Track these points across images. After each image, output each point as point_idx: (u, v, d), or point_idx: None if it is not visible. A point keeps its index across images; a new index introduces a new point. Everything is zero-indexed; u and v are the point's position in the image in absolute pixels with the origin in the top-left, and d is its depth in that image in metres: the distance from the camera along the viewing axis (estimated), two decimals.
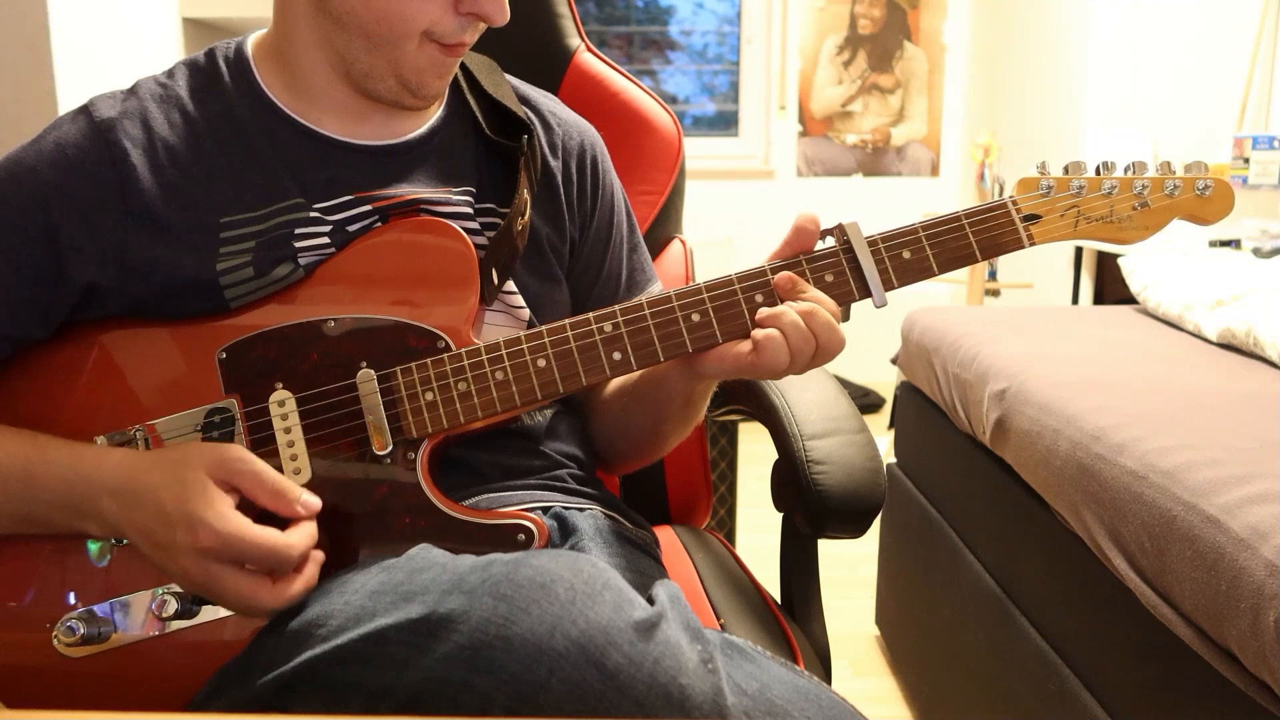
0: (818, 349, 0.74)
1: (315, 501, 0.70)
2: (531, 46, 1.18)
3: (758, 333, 0.74)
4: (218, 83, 0.83)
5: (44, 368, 0.78)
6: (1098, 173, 0.80)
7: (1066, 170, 0.80)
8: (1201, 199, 0.80)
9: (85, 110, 0.79)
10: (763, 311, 0.75)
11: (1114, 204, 0.79)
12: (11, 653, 0.73)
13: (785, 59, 3.96)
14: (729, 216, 3.94)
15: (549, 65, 1.19)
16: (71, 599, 0.73)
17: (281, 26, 0.82)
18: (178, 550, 0.66)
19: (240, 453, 0.68)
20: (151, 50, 1.98)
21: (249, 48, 0.85)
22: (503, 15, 0.78)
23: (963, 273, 3.23)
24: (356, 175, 0.82)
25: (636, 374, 0.88)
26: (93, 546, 0.74)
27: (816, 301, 0.74)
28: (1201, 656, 0.91)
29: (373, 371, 0.76)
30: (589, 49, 1.21)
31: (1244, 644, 0.84)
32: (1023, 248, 0.78)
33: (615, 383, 0.93)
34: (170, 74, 0.83)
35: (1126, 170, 0.80)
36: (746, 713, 0.58)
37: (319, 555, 0.70)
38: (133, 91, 0.81)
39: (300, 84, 0.82)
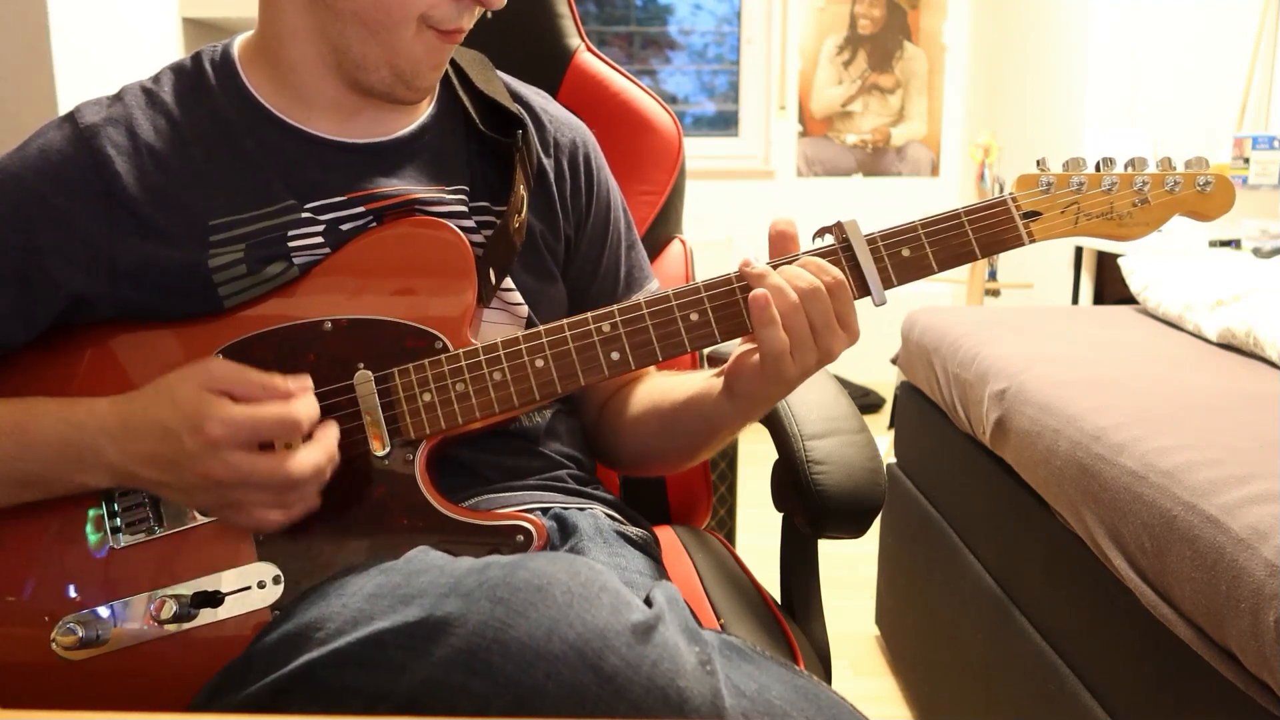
0: (810, 315, 0.72)
1: (305, 379, 0.71)
2: (531, 46, 1.18)
3: (750, 300, 0.73)
4: (204, 86, 0.82)
5: (41, 372, 0.78)
6: (1098, 169, 0.80)
7: (1066, 167, 0.80)
8: (1202, 195, 0.79)
9: (70, 117, 0.79)
10: None
11: (1114, 200, 0.79)
12: (9, 655, 0.72)
13: (785, 59, 3.96)
14: (729, 216, 3.93)
15: (549, 65, 1.19)
16: (70, 601, 0.73)
17: (269, 24, 0.81)
18: (191, 458, 0.67)
19: (220, 361, 0.71)
20: (151, 50, 1.98)
21: (235, 50, 0.84)
22: None
23: (963, 272, 3.23)
24: (347, 174, 0.82)
25: (673, 403, 0.87)
26: (92, 537, 0.73)
27: (803, 266, 0.74)
28: (1201, 656, 0.91)
29: (370, 372, 0.76)
30: (589, 49, 1.21)
31: (1244, 644, 0.84)
32: (1022, 245, 0.78)
33: (644, 402, 0.92)
34: (156, 79, 0.83)
35: (1127, 167, 0.80)
36: (745, 714, 0.58)
37: (332, 426, 0.72)
38: (118, 97, 0.81)
39: (288, 82, 0.82)
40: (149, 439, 0.69)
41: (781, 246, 0.77)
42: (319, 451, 0.70)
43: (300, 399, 0.70)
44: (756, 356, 0.74)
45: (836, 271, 0.73)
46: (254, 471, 0.67)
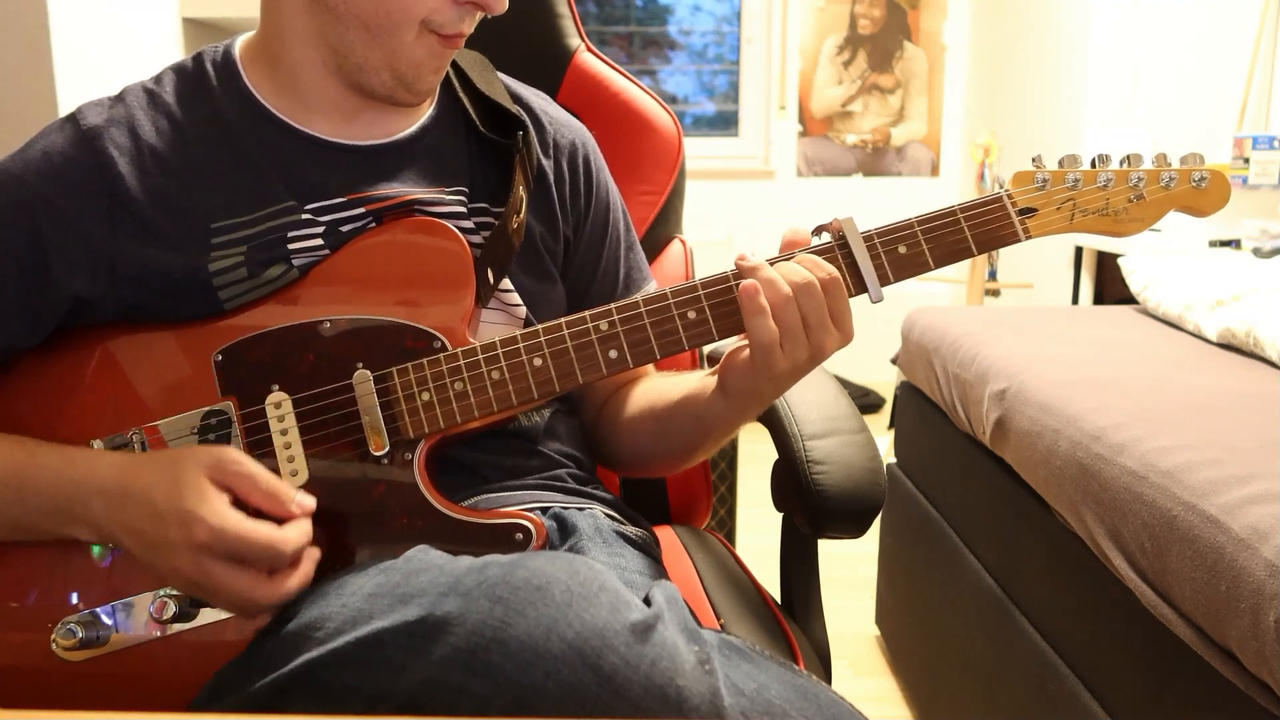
0: (803, 310, 0.72)
1: (309, 501, 0.70)
2: (531, 47, 1.18)
3: (740, 290, 0.73)
4: (205, 87, 0.82)
5: (41, 373, 0.78)
6: (1093, 166, 0.80)
7: (1062, 164, 0.80)
8: (1197, 190, 0.79)
9: (72, 118, 0.79)
10: None
11: (1109, 197, 0.79)
12: (10, 656, 0.72)
13: (785, 59, 3.96)
14: (729, 216, 3.93)
15: (549, 65, 1.19)
16: (71, 602, 0.73)
17: (271, 25, 0.82)
18: (171, 548, 0.66)
19: (235, 454, 0.69)
20: (151, 50, 1.98)
21: (236, 50, 0.84)
22: (501, 4, 0.77)
23: (963, 272, 3.23)
24: (347, 176, 0.82)
25: (668, 403, 0.87)
26: (95, 548, 0.74)
27: (798, 263, 0.74)
28: (1201, 656, 0.91)
29: (369, 372, 0.76)
30: (589, 49, 1.21)
31: (1244, 644, 0.84)
32: (1018, 241, 0.78)
33: (640, 403, 0.92)
34: (158, 80, 0.83)
35: (1122, 163, 0.80)
36: (744, 713, 0.58)
37: (314, 552, 0.70)
38: (120, 98, 0.81)
39: (289, 83, 0.82)
40: (138, 513, 0.68)
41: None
42: (295, 582, 0.68)
43: (295, 525, 0.68)
44: (748, 352, 0.74)
45: (831, 268, 0.74)
46: (224, 587, 0.66)
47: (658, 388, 0.91)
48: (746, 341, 0.75)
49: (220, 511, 0.66)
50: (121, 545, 0.70)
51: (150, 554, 0.68)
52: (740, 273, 0.75)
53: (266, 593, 0.66)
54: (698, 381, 0.84)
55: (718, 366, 0.79)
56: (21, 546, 0.74)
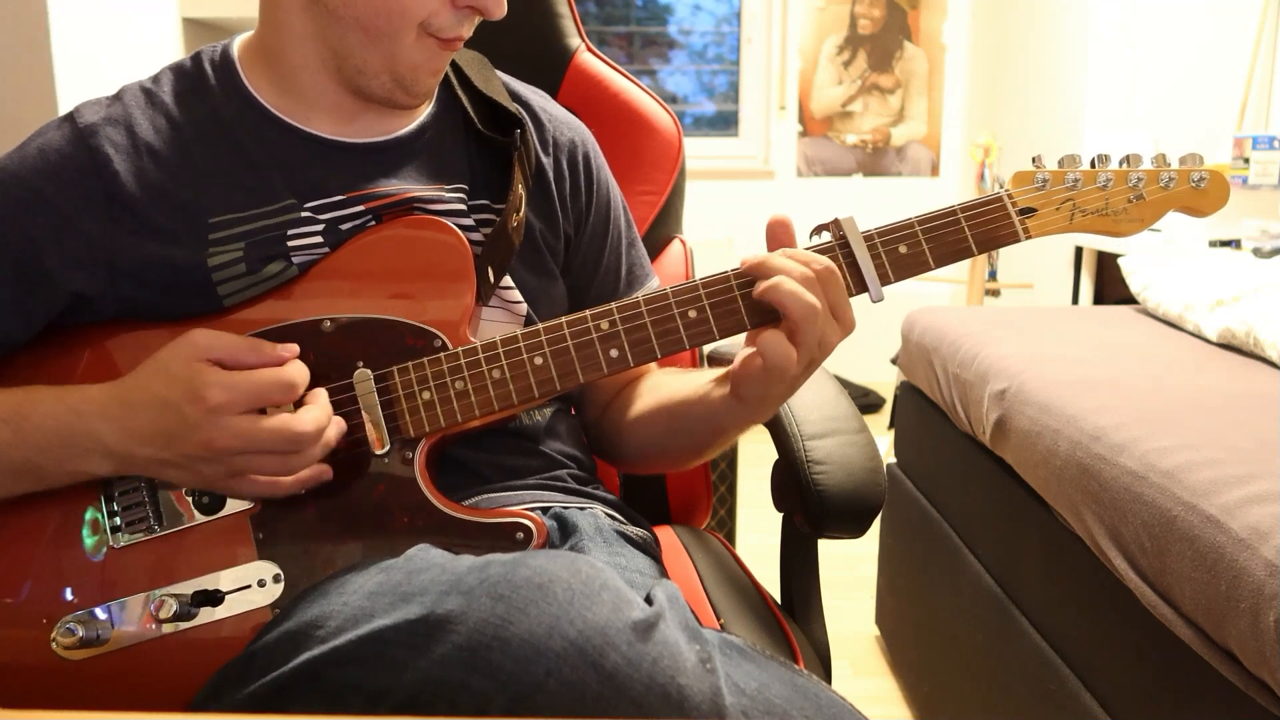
0: (823, 296, 0.72)
1: (292, 346, 0.73)
2: (531, 46, 1.18)
3: (758, 288, 0.73)
4: (203, 85, 0.82)
5: (40, 371, 0.78)
6: (1093, 166, 0.80)
7: (1062, 164, 0.80)
8: (1197, 191, 0.80)
9: (69, 117, 0.79)
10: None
11: (1109, 197, 0.79)
12: (9, 655, 0.72)
13: (785, 59, 3.96)
14: (729, 216, 3.93)
15: (549, 65, 1.19)
16: (70, 601, 0.73)
17: (270, 24, 0.82)
18: (193, 428, 0.67)
19: (206, 331, 0.71)
20: (151, 50, 1.98)
21: (235, 49, 0.84)
22: (500, 9, 0.78)
23: (963, 272, 3.23)
24: (346, 174, 0.82)
25: (681, 401, 0.87)
26: (91, 537, 0.73)
27: (791, 257, 0.74)
28: (1201, 656, 0.91)
29: (369, 371, 0.76)
30: (589, 49, 1.21)
31: (1244, 644, 0.84)
32: (1018, 241, 0.78)
33: (650, 401, 0.92)
34: (155, 79, 0.83)
35: (1121, 163, 0.80)
36: (745, 712, 0.58)
37: (321, 389, 0.73)
38: (118, 97, 0.81)
39: (288, 82, 0.82)
40: (147, 414, 0.69)
41: (778, 235, 0.77)
42: (319, 410, 0.71)
43: (291, 366, 0.71)
44: (760, 360, 0.74)
45: (828, 261, 0.73)
46: (259, 433, 0.68)
47: (668, 385, 0.91)
48: (755, 348, 0.74)
49: (222, 373, 0.68)
50: (137, 459, 0.70)
51: (170, 450, 0.69)
52: (747, 269, 0.75)
53: (299, 423, 0.69)
54: (708, 383, 0.84)
55: (728, 372, 0.79)
56: (21, 545, 0.74)
